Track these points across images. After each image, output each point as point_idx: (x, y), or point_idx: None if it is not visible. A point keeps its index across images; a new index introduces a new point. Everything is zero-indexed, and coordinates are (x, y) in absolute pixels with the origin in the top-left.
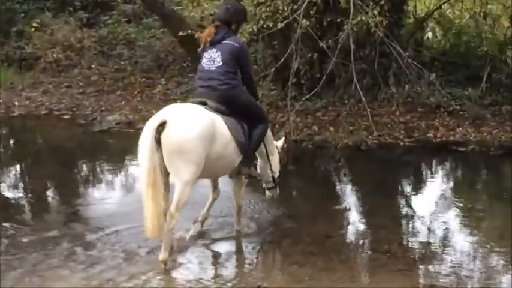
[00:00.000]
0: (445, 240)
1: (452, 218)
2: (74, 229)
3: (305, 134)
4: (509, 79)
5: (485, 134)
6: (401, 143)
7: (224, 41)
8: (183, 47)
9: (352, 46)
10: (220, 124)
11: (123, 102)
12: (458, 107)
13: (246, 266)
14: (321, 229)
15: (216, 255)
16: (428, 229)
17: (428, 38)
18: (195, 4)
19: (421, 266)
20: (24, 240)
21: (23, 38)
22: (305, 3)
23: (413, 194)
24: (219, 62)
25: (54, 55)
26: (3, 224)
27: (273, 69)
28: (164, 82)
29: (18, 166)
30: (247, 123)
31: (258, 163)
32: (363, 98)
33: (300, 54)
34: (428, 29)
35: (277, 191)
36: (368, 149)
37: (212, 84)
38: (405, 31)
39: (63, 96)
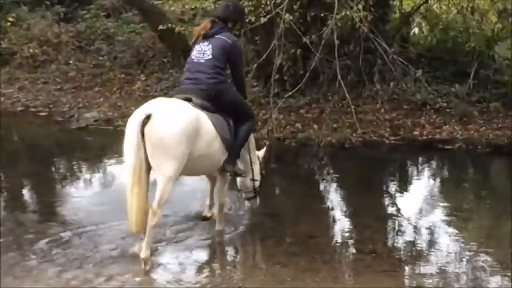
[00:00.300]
0: (431, 240)
1: (438, 217)
2: (51, 229)
3: (288, 132)
4: (497, 75)
5: (473, 132)
6: (387, 141)
7: (217, 36)
8: (163, 42)
9: (337, 42)
10: (205, 121)
11: (101, 99)
12: (445, 104)
13: (227, 266)
14: (304, 229)
15: (196, 256)
16: (414, 229)
17: (414, 33)
18: None
19: (406, 267)
20: (0, 240)
21: None
22: None
23: (399, 193)
24: (209, 56)
25: (31, 50)
26: None
27: (255, 65)
28: (144, 78)
29: None
30: (234, 120)
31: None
32: (347, 94)
33: (283, 50)
34: (415, 24)
35: (257, 201)
36: (352, 147)
37: (199, 77)
38: (390, 26)
39: (39, 93)
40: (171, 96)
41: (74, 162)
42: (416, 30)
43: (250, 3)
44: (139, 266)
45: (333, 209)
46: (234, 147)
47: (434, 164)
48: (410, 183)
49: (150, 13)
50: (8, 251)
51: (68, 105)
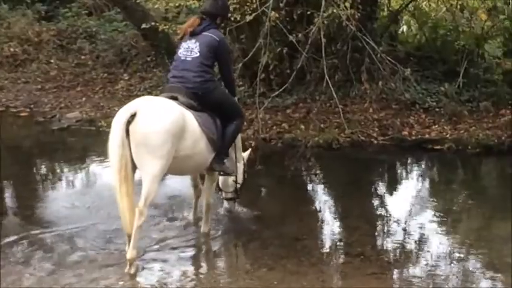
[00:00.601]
0: (421, 242)
1: (427, 219)
2: (31, 231)
3: (274, 132)
4: (487, 74)
5: (462, 132)
6: (375, 141)
7: (204, 33)
8: (146, 41)
9: (324, 40)
10: (190, 120)
11: (83, 99)
12: (434, 104)
13: (212, 270)
14: (290, 231)
15: (181, 259)
16: (403, 231)
17: (402, 31)
18: None
19: (395, 270)
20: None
21: None
22: None
23: (388, 195)
24: (196, 53)
25: (11, 49)
26: None
27: (240, 65)
28: (127, 77)
29: None
30: (221, 119)
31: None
32: (334, 94)
33: (269, 49)
34: (403, 23)
35: (236, 203)
36: (340, 148)
37: (186, 75)
38: (378, 25)
39: (20, 93)
40: (156, 95)
41: (56, 164)
42: (404, 28)
43: (235, 0)
44: (123, 269)
45: (320, 210)
46: (221, 146)
47: (423, 164)
48: (399, 185)
49: (133, 11)
50: None
51: (50, 106)
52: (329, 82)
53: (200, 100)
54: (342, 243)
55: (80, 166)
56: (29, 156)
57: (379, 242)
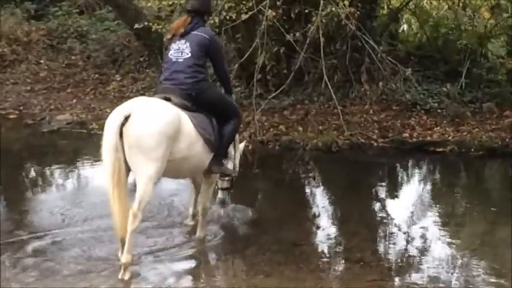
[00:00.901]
0: (422, 248)
1: (429, 224)
2: (22, 237)
3: (271, 134)
4: (490, 74)
5: (465, 134)
6: (375, 144)
7: (194, 32)
8: (139, 41)
9: (322, 40)
10: (185, 121)
11: (74, 101)
12: (436, 105)
13: (208, 276)
14: (288, 236)
15: (176, 265)
16: (404, 236)
17: (403, 30)
18: None
19: (396, 276)
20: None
21: None
22: None
23: (388, 199)
24: (188, 54)
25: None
26: None
27: (236, 65)
28: (119, 78)
29: None
30: (217, 119)
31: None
32: (333, 95)
33: (265, 49)
34: (403, 21)
35: (229, 200)
36: (339, 150)
37: (178, 77)
38: (378, 23)
39: (9, 94)
40: (150, 96)
41: (46, 167)
42: (405, 27)
43: None
44: (117, 275)
45: (319, 215)
46: (219, 147)
47: (424, 167)
48: (400, 188)
49: (126, 10)
50: None
51: (39, 107)
52: (328, 83)
53: (194, 100)
54: (341, 249)
55: (71, 169)
56: (18, 159)
57: (379, 248)
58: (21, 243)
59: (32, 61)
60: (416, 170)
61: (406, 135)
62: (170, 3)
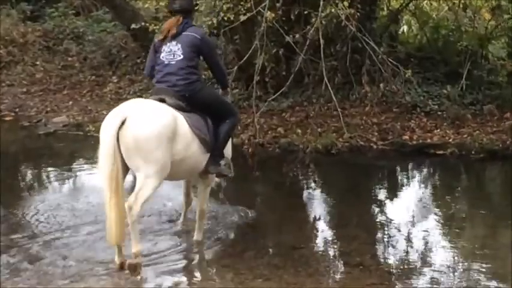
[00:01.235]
0: (423, 252)
1: (430, 227)
2: (18, 241)
3: (270, 137)
4: (491, 76)
5: (466, 136)
6: (375, 146)
7: (184, 33)
8: (136, 42)
9: (322, 41)
10: (181, 122)
11: (70, 103)
12: (436, 107)
13: (205, 280)
14: (287, 240)
15: (174, 269)
16: (404, 239)
17: (403, 31)
18: None
19: (396, 280)
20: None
21: None
22: None
23: (388, 202)
24: (180, 56)
25: None
26: None
27: (235, 67)
28: (116, 80)
29: None
30: (212, 119)
31: None
32: (333, 97)
33: (265, 50)
34: (403, 22)
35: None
36: (339, 153)
37: (170, 80)
38: (378, 24)
39: (4, 96)
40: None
41: (42, 170)
42: (405, 28)
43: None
44: (115, 279)
45: (318, 218)
46: (215, 147)
47: (425, 170)
48: (400, 191)
49: (123, 11)
50: None
51: (35, 109)
52: (328, 84)
53: (188, 101)
54: (340, 253)
55: (68, 172)
56: (13, 162)
57: (378, 252)
58: (17, 247)
59: (28, 62)
60: (416, 173)
61: (406, 137)
62: (167, 3)
